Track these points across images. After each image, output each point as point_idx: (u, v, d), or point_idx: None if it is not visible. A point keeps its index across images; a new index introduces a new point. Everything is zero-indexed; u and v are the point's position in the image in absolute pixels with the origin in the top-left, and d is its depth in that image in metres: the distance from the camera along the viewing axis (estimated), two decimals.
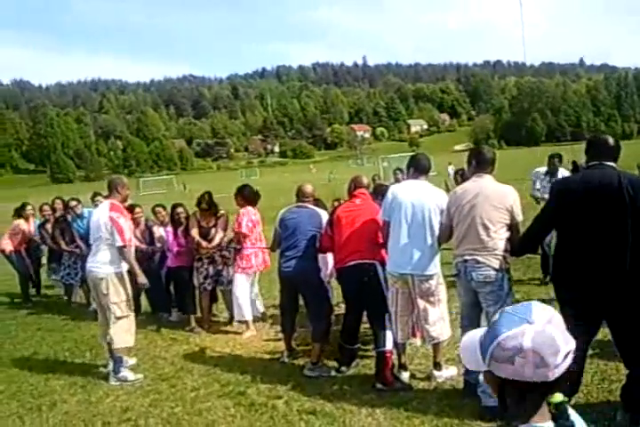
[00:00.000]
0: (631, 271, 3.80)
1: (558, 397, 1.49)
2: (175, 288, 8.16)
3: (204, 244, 7.39)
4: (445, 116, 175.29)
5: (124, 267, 6.05)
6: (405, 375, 5.18)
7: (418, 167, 5.28)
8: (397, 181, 13.03)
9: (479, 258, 4.49)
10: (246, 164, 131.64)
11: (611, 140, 4.12)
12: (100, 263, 5.93)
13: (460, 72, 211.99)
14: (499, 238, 4.48)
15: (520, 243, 4.48)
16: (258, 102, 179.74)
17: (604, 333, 4.35)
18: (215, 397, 5.26)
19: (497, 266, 4.47)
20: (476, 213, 4.51)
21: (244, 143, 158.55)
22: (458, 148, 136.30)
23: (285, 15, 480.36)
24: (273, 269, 9.52)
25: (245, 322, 7.29)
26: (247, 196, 7.40)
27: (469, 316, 4.73)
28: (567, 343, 1.42)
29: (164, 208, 8.48)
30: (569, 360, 1.43)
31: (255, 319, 7.46)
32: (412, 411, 4.59)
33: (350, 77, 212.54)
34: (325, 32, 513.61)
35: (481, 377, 4.54)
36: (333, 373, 5.56)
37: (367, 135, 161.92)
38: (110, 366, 5.96)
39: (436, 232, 4.98)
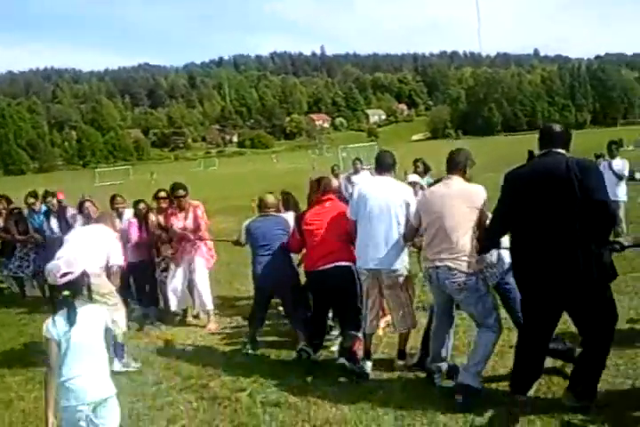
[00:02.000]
0: (584, 256, 3.81)
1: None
2: (135, 282, 8.02)
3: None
4: (403, 107, 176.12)
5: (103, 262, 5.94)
6: (369, 364, 5.18)
7: (382, 165, 5.37)
8: (356, 170, 13.11)
9: (450, 264, 4.46)
10: (204, 154, 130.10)
11: (557, 128, 4.20)
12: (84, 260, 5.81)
13: (417, 62, 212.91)
14: (468, 240, 4.48)
15: (483, 239, 4.50)
16: (215, 92, 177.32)
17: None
18: (177, 391, 5.20)
19: (469, 270, 4.46)
20: (445, 215, 4.50)
21: (202, 133, 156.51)
22: (416, 137, 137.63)
23: (243, 5, 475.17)
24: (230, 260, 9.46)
25: (208, 312, 7.26)
26: None
27: (442, 315, 4.81)
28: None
29: (123, 198, 8.25)
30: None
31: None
32: (377, 401, 4.61)
33: (309, 67, 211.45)
34: (283, 22, 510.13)
35: (444, 365, 4.58)
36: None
37: (326, 125, 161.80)
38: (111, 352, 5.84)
39: (402, 228, 5.03)
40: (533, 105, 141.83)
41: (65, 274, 3.42)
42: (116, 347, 5.78)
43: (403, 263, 5.12)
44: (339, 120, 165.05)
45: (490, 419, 4.14)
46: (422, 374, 4.99)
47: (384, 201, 5.06)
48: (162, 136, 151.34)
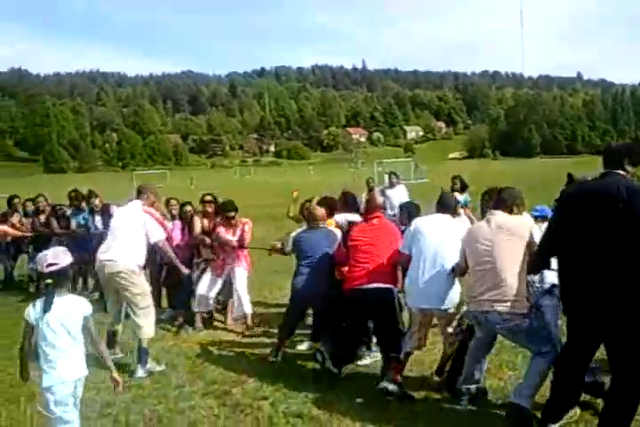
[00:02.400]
0: (627, 291, 3.63)
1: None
2: (169, 284, 8.09)
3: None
4: (442, 124, 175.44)
5: (142, 261, 6.08)
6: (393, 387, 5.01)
7: (444, 205, 5.39)
8: (392, 184, 13.03)
9: (500, 308, 4.28)
10: (241, 162, 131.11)
11: (613, 147, 4.07)
12: (120, 257, 5.91)
13: (457, 81, 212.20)
14: (518, 278, 4.30)
15: (534, 259, 4.31)
16: (255, 102, 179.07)
17: None
18: (199, 395, 5.18)
19: (521, 311, 4.28)
20: (492, 254, 4.36)
21: (240, 142, 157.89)
22: (452, 156, 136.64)
23: (286, 17, 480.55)
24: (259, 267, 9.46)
25: (246, 315, 7.38)
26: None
27: (482, 343, 4.65)
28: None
29: (178, 201, 8.54)
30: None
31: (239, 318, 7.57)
32: (401, 419, 4.52)
33: (349, 81, 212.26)
34: (326, 35, 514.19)
35: (473, 387, 4.41)
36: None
37: (363, 139, 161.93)
38: (135, 359, 5.91)
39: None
40: (574, 129, 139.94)
41: (50, 264, 3.71)
42: (140, 353, 5.84)
43: (452, 303, 5.01)
44: (376, 135, 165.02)
45: None
46: (448, 395, 4.89)
47: (440, 240, 5.00)
48: (200, 143, 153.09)
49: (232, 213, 7.35)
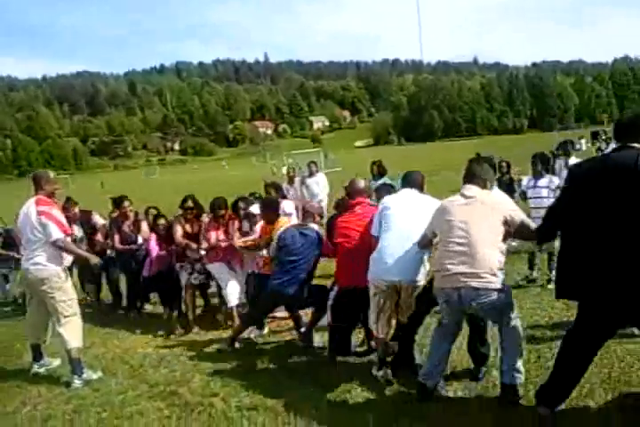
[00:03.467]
0: None
1: None
2: (159, 292, 7.93)
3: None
4: (346, 113, 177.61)
5: (66, 263, 5.75)
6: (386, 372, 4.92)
7: (409, 181, 5.23)
8: (311, 173, 13.05)
9: (475, 284, 4.10)
10: (145, 162, 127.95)
11: (626, 120, 3.90)
12: (40, 263, 5.54)
13: (359, 70, 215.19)
14: (496, 253, 4.18)
15: (537, 232, 4.22)
16: (157, 99, 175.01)
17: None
18: (145, 399, 4.97)
19: (498, 286, 4.12)
20: (469, 228, 4.21)
21: (143, 141, 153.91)
22: (359, 144, 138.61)
23: (185, 11, 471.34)
24: None
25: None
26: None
27: (450, 332, 4.49)
28: None
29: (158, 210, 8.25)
30: None
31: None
32: (355, 402, 4.53)
33: (252, 74, 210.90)
34: (226, 30, 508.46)
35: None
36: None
37: (270, 132, 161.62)
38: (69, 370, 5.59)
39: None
40: (473, 111, 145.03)
41: None
42: (72, 363, 5.53)
43: (423, 273, 4.83)
44: (282, 127, 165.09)
45: None
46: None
47: (409, 214, 4.86)
48: (101, 144, 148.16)
49: (222, 212, 7.13)
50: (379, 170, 10.68)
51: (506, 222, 4.23)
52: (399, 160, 46.21)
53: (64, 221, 5.71)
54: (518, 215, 4.31)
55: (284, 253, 5.89)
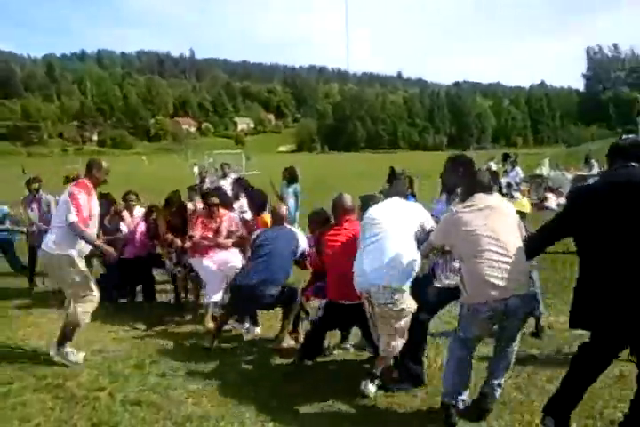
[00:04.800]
0: None
1: None
2: (136, 277, 8.13)
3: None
4: (271, 117, 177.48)
5: (84, 246, 5.81)
6: (372, 388, 4.81)
7: (397, 191, 5.30)
8: (225, 174, 13.19)
9: (520, 292, 4.06)
10: (61, 151, 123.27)
11: (625, 143, 3.93)
12: (57, 243, 5.66)
13: (287, 74, 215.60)
14: (523, 258, 4.14)
15: (532, 248, 4.16)
16: (76, 87, 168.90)
17: None
18: (30, 391, 4.98)
19: (532, 292, 4.29)
20: (501, 236, 4.10)
21: (59, 129, 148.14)
22: (282, 149, 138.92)
23: (114, 1, 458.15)
24: None
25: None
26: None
27: (473, 345, 4.37)
28: None
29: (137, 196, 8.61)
30: None
31: None
32: (241, 398, 4.72)
33: (176, 69, 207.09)
34: (153, 20, 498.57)
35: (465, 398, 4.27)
36: None
37: (193, 129, 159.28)
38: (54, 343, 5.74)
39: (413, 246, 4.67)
40: (395, 125, 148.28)
41: None
42: (60, 338, 5.69)
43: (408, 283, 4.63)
44: (205, 125, 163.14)
45: None
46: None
47: (396, 221, 4.76)
48: (14, 129, 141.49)
49: (216, 200, 7.15)
50: (290, 176, 11.02)
51: (520, 228, 4.28)
52: (320, 168, 46.84)
53: (87, 208, 5.75)
54: (522, 224, 4.37)
55: (255, 249, 6.06)
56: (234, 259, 7.00)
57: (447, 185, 5.27)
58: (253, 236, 6.30)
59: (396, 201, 5.05)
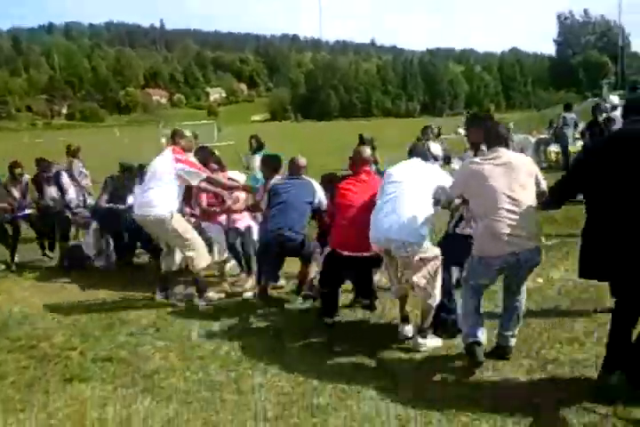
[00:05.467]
0: None
1: None
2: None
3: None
4: (244, 87, 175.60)
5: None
6: (408, 328, 5.12)
7: (417, 152, 5.27)
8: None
9: (529, 246, 4.28)
10: (30, 125, 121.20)
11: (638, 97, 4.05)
12: (161, 204, 6.14)
13: (259, 43, 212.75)
14: (535, 213, 4.34)
15: (548, 198, 4.32)
16: (43, 60, 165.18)
17: None
18: (4, 352, 5.20)
19: (538, 244, 4.41)
20: (514, 188, 4.24)
21: (28, 103, 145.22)
22: (255, 118, 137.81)
23: None
24: None
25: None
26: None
27: (481, 291, 4.59)
28: None
29: None
30: None
31: None
32: (205, 351, 5.03)
33: (146, 40, 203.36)
34: None
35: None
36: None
37: (164, 101, 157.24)
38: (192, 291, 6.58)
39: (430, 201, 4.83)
40: (368, 93, 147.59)
41: None
42: (198, 284, 6.44)
43: (426, 238, 4.79)
44: (177, 96, 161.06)
45: None
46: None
47: (411, 179, 4.91)
48: None
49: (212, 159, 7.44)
50: (257, 143, 11.20)
51: (537, 184, 4.37)
52: (294, 136, 46.73)
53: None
54: (541, 178, 4.44)
55: (273, 199, 6.11)
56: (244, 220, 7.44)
57: (472, 142, 5.46)
58: (269, 185, 6.33)
59: (415, 161, 5.16)
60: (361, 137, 12.67)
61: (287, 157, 6.65)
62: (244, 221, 7.46)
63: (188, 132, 6.74)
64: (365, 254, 5.26)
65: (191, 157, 6.52)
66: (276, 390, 4.24)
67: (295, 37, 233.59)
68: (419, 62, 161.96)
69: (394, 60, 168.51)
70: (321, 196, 6.18)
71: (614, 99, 25.45)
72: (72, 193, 9.27)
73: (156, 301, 6.47)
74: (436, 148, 5.57)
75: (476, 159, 4.58)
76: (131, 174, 8.37)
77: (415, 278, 4.74)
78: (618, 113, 13.04)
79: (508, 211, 4.19)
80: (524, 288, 4.60)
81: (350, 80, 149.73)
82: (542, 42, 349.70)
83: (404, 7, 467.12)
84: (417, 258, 4.71)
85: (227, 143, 39.70)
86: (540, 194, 4.36)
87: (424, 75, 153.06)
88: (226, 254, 7.24)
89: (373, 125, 61.51)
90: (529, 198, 4.27)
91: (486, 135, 4.64)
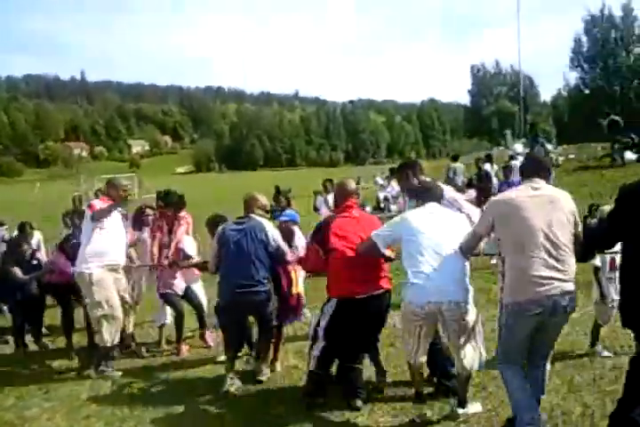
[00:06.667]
0: None
1: None
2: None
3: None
4: (167, 138, 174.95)
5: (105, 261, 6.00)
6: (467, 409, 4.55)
7: (430, 196, 4.73)
8: None
9: (568, 288, 3.95)
10: None
11: None
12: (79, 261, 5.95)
13: (182, 95, 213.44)
14: (573, 253, 4.01)
15: (586, 248, 4.08)
16: None
17: None
18: None
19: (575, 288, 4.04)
20: (554, 224, 3.92)
21: None
22: (180, 170, 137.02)
23: None
24: None
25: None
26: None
27: (521, 353, 4.14)
28: None
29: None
30: None
31: None
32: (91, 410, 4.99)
33: (66, 92, 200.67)
34: (39, 43, 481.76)
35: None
36: None
37: (85, 154, 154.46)
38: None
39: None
40: (292, 143, 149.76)
41: None
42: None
43: (469, 294, 4.48)
44: (98, 149, 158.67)
45: None
46: None
47: (437, 228, 4.46)
48: None
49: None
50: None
51: (575, 223, 4.07)
52: (217, 187, 46.64)
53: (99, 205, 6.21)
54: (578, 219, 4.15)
55: (223, 254, 5.46)
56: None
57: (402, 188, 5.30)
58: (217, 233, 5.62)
59: (434, 207, 4.66)
60: (277, 188, 12.95)
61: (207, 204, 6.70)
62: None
63: (124, 181, 6.65)
64: (384, 289, 4.86)
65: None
66: None
67: (219, 89, 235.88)
68: (341, 113, 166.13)
69: (317, 111, 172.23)
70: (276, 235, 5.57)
71: (518, 147, 26.97)
72: None
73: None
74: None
75: (516, 192, 4.17)
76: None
77: (461, 341, 4.39)
78: (517, 162, 13.64)
79: (546, 248, 3.88)
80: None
81: (275, 131, 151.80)
82: (458, 92, 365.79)
83: (326, 60, 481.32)
84: (465, 319, 4.37)
85: (149, 196, 39.40)
86: (575, 235, 4.04)
87: (347, 125, 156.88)
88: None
89: (299, 175, 62.48)
90: (569, 236, 3.98)
91: (527, 164, 4.34)
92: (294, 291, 5.85)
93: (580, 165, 22.57)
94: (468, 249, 4.40)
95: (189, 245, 6.94)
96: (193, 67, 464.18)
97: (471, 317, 4.41)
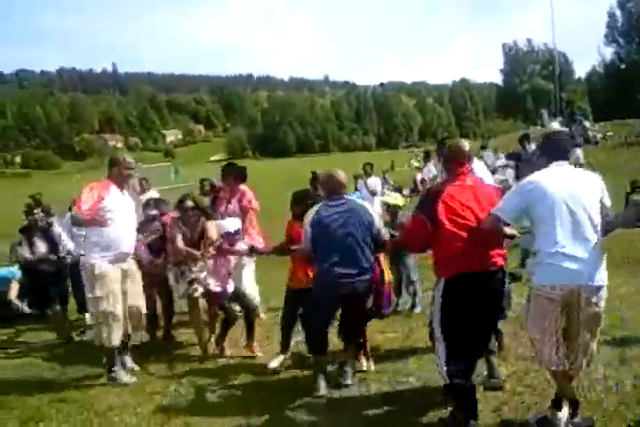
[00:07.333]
0: None
1: None
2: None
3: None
4: (201, 127, 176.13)
5: (112, 253, 5.61)
6: (562, 414, 3.96)
7: (557, 152, 4.08)
8: (143, 191, 13.05)
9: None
10: None
11: None
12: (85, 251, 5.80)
13: (213, 83, 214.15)
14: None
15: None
16: None
17: None
18: None
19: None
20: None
21: None
22: (214, 158, 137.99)
23: (26, 17, 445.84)
24: None
25: None
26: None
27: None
28: None
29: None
30: None
31: None
32: (153, 389, 5.25)
33: (99, 85, 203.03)
34: (71, 37, 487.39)
35: None
36: None
37: (120, 145, 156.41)
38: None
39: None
40: (324, 128, 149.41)
41: None
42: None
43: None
44: (133, 140, 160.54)
45: None
46: None
47: (576, 195, 3.83)
48: None
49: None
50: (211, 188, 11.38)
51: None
52: (254, 174, 46.81)
53: (86, 201, 5.79)
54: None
55: (319, 236, 4.80)
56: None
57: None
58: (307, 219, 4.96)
59: (568, 168, 4.05)
60: (314, 175, 13.08)
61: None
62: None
63: (129, 158, 6.23)
64: (494, 269, 4.17)
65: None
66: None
67: (250, 76, 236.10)
68: (372, 96, 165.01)
69: (347, 95, 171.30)
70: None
71: (555, 125, 26.63)
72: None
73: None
74: (375, 182, 5.48)
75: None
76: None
77: (588, 336, 3.86)
78: None
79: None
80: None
81: (306, 116, 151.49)
82: (490, 72, 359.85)
83: (355, 43, 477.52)
84: (601, 306, 3.85)
85: (185, 184, 39.87)
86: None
87: (378, 108, 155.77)
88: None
89: (334, 160, 62.52)
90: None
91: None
92: (386, 278, 5.37)
93: (621, 142, 22.15)
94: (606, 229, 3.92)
95: (230, 224, 6.30)
96: (222, 55, 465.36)
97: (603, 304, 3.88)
